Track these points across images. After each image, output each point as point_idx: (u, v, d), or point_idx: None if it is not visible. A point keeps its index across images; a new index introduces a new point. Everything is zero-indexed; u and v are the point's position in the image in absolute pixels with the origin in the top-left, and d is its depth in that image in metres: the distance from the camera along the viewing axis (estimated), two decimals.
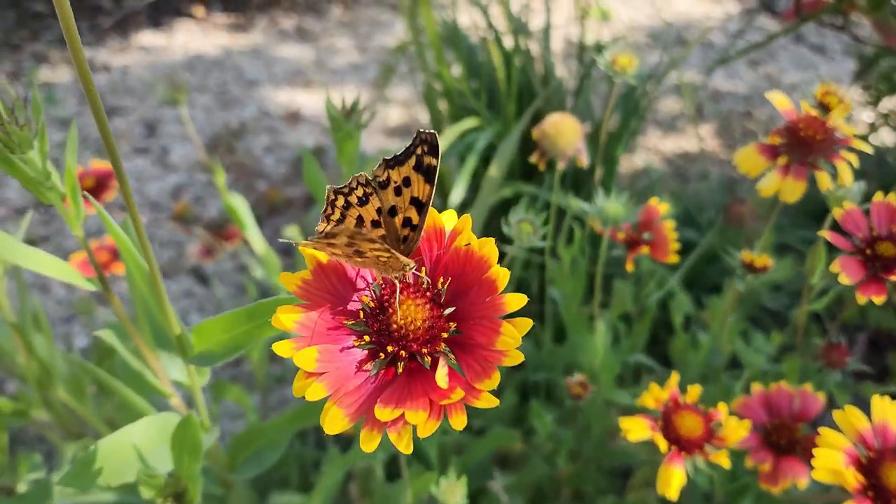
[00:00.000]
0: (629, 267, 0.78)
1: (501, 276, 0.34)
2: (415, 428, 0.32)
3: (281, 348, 0.32)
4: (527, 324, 0.33)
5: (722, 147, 2.69)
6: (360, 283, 0.36)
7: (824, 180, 0.66)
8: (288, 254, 2.12)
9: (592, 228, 0.95)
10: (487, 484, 0.96)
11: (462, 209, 1.22)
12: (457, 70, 1.57)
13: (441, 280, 0.36)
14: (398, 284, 0.36)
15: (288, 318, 0.33)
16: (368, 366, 0.34)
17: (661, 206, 0.81)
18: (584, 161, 0.86)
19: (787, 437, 0.71)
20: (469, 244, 0.35)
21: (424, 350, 0.34)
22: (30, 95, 0.49)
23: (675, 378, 0.69)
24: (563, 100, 1.46)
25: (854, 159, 0.66)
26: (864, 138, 1.77)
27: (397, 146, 2.62)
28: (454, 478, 0.59)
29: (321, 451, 1.25)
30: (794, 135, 0.68)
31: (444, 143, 1.14)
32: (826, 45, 3.08)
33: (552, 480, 1.09)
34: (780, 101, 0.70)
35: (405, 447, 0.31)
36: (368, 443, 0.31)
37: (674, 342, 0.96)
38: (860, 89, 2.01)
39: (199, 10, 3.02)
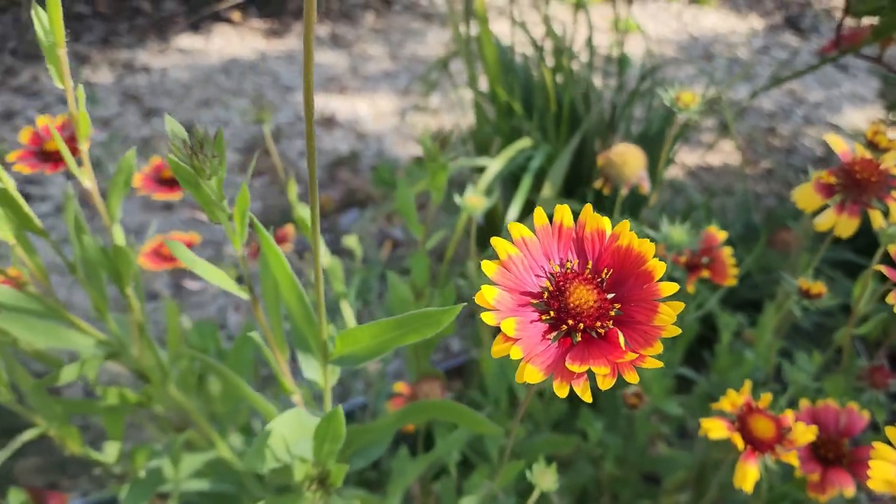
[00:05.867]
0: (690, 289, 0.85)
1: (658, 267, 0.43)
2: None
3: (487, 318, 0.41)
4: (679, 305, 0.41)
5: (746, 162, 2.75)
6: (539, 271, 0.45)
7: (877, 218, 0.72)
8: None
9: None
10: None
11: None
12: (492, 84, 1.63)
13: (604, 271, 0.44)
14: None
15: (489, 295, 0.42)
16: (549, 336, 0.42)
17: (719, 234, 0.88)
18: (647, 188, 0.93)
19: (834, 451, 0.78)
20: (630, 243, 0.44)
21: (598, 324, 0.42)
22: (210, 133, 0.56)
23: (748, 385, 0.76)
24: (604, 119, 1.53)
25: None
26: None
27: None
28: (544, 464, 0.67)
29: None
30: (849, 176, 0.74)
31: (500, 162, 1.21)
32: (849, 63, 3.14)
33: (596, 483, 1.16)
34: (836, 143, 0.77)
35: (587, 397, 0.40)
36: (561, 390, 0.40)
37: (718, 358, 1.03)
38: (883, 109, 2.07)
39: (235, 15, 3.09)
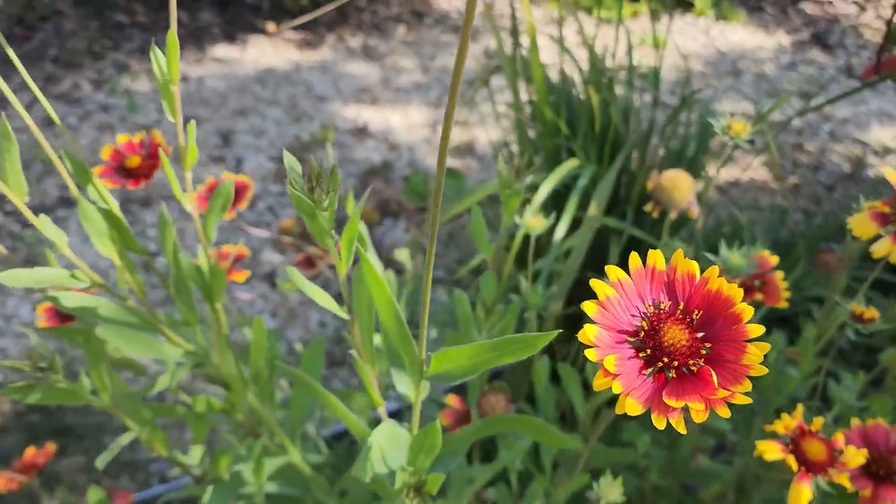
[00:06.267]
0: None
1: (746, 311, 0.46)
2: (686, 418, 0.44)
3: (590, 354, 0.45)
4: (766, 347, 0.45)
5: (773, 177, 2.77)
6: (634, 311, 0.49)
7: None
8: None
9: None
10: (586, 493, 1.07)
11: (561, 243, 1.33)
12: (530, 97, 1.68)
13: (694, 312, 0.48)
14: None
15: (590, 332, 0.46)
16: (645, 372, 0.46)
17: (772, 259, 0.92)
18: (696, 212, 0.97)
19: (884, 468, 0.81)
20: (719, 287, 0.47)
21: (691, 361, 0.46)
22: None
23: (800, 409, 0.80)
24: (644, 138, 1.57)
25: None
26: None
27: (459, 165, 2.72)
28: (611, 477, 0.71)
29: None
30: None
31: (552, 182, 1.25)
32: None
33: (639, 493, 1.20)
34: (892, 175, 0.80)
35: (682, 428, 0.44)
36: (659, 423, 0.44)
37: (763, 376, 1.06)
38: None
39: (270, 26, 3.16)
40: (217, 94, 2.92)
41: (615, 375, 0.45)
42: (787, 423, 0.78)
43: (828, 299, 1.15)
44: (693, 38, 3.29)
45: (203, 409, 0.80)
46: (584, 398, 0.92)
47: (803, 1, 3.61)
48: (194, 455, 0.84)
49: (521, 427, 0.69)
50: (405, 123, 2.84)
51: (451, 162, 2.70)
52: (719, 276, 0.49)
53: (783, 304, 0.91)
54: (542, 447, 0.97)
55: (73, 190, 0.71)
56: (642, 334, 0.48)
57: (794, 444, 0.76)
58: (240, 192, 1.29)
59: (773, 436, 0.79)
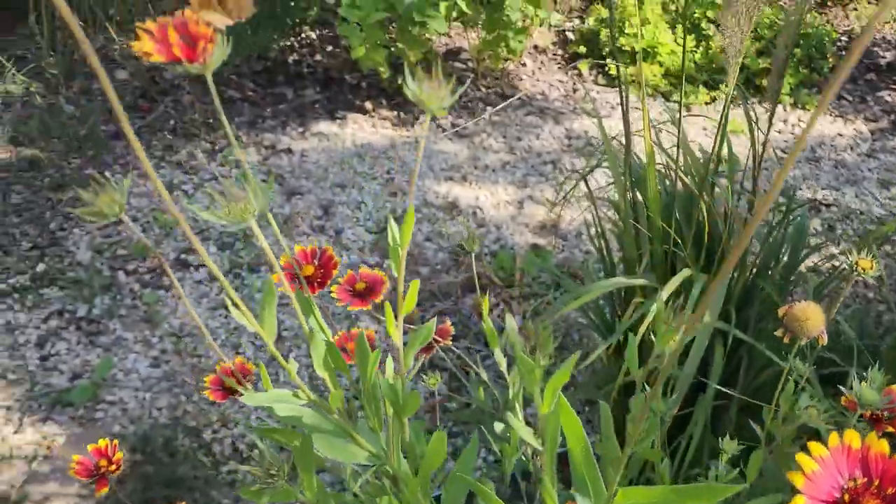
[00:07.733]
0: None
1: None
2: None
3: None
4: None
5: (883, 284, 2.79)
6: (834, 483, 0.59)
7: None
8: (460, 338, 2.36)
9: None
10: None
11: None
12: (632, 197, 1.79)
13: (889, 489, 0.57)
14: None
15: (800, 502, 0.55)
16: None
17: None
18: (824, 340, 1.06)
19: None
20: None
21: None
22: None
23: None
24: (748, 247, 1.66)
25: None
26: None
27: (544, 242, 2.83)
28: None
29: None
30: None
31: (668, 291, 1.36)
32: None
33: None
34: None
35: None
36: None
37: None
38: None
39: (368, 105, 3.39)
40: (319, 168, 3.14)
41: None
42: None
43: None
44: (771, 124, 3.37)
45: None
46: None
47: (883, 89, 3.67)
48: None
49: None
50: (492, 201, 2.99)
51: (535, 239, 2.82)
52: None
53: None
54: None
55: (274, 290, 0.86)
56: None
57: None
58: (376, 286, 1.44)
59: None
